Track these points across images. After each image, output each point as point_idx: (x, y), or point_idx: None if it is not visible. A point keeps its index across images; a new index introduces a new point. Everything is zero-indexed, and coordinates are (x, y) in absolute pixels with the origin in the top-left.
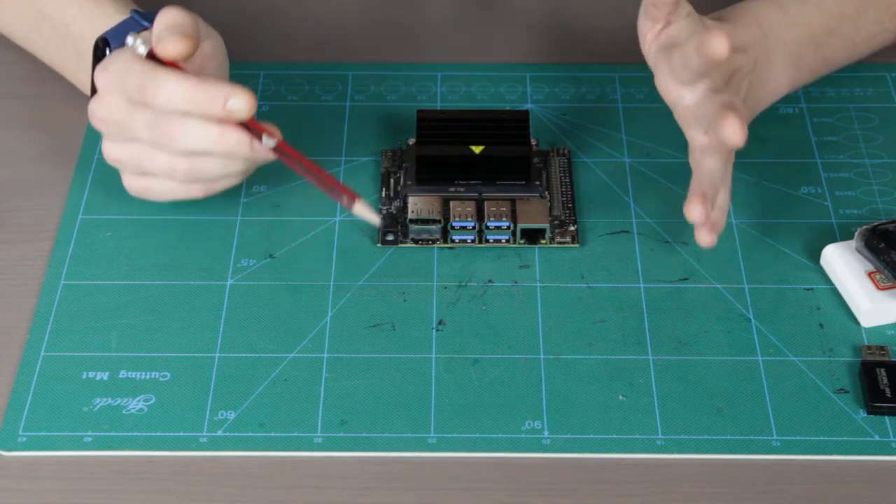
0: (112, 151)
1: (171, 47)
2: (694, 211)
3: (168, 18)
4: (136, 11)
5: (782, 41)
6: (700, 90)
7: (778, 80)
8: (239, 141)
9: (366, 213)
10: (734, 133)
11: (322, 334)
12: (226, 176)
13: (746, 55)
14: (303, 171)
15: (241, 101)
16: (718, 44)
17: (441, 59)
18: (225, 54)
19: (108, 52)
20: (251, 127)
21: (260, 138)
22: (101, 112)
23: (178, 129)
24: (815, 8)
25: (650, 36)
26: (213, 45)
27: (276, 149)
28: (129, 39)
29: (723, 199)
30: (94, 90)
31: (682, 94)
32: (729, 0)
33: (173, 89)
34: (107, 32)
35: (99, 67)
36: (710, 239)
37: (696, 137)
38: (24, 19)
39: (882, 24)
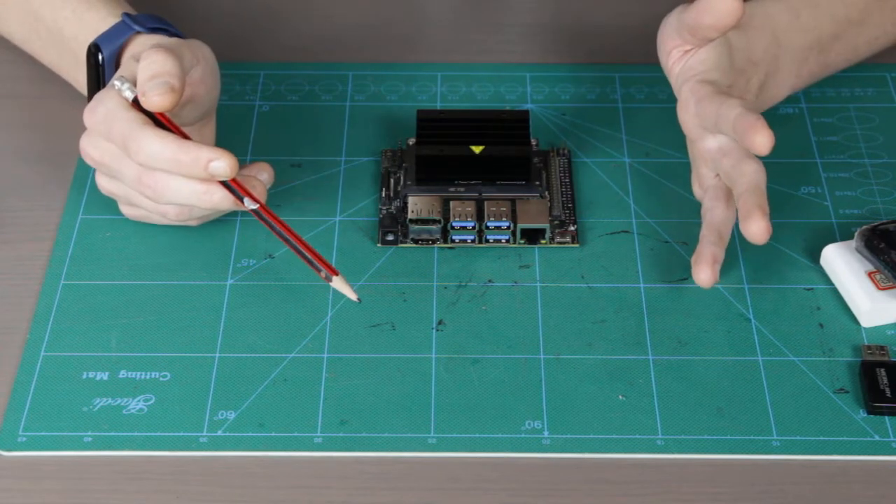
0: (105, 185)
1: (156, 101)
2: (702, 274)
3: (152, 67)
4: (127, 15)
5: (791, 47)
6: (724, 140)
7: (781, 86)
8: (222, 199)
9: (344, 289)
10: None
11: (322, 334)
12: (216, 213)
13: (757, 69)
14: (282, 238)
15: (222, 164)
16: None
17: (441, 59)
18: (215, 70)
19: (100, 57)
20: (233, 187)
21: (241, 199)
22: (90, 151)
23: (162, 186)
24: (826, 13)
25: (675, 54)
26: (201, 70)
27: (256, 212)
28: (116, 83)
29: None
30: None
31: (704, 136)
32: None
33: (156, 150)
34: (98, 38)
35: (87, 108)
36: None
37: (708, 176)
38: (23, 22)
39: (884, 27)
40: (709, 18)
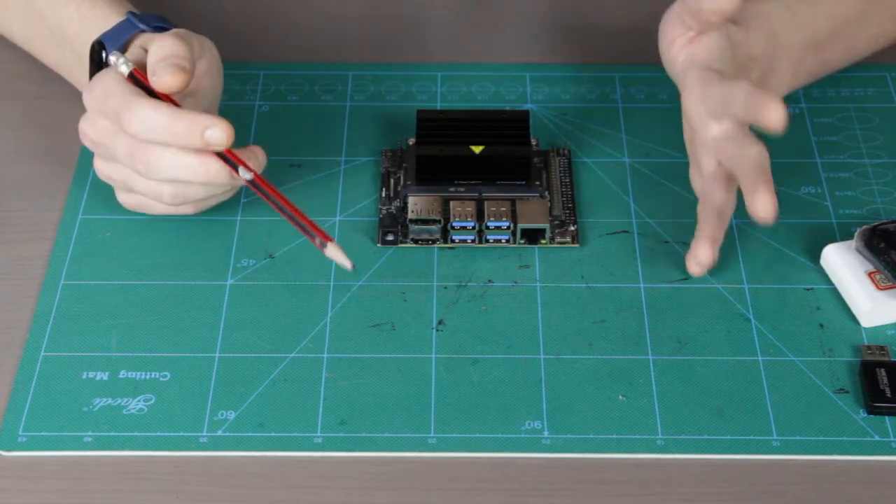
0: (102, 169)
1: (166, 80)
2: (701, 251)
3: (164, 50)
4: (132, 14)
5: (789, 45)
6: (728, 125)
7: (779, 84)
8: (218, 171)
9: (338, 256)
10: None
11: (322, 334)
12: (212, 196)
13: (756, 65)
14: (277, 207)
15: (219, 132)
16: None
17: (441, 59)
18: (220, 68)
19: (104, 55)
20: (228, 157)
21: (236, 169)
22: (88, 131)
23: (156, 160)
24: (824, 12)
25: (680, 41)
26: (207, 63)
27: (251, 182)
28: (112, 58)
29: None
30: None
31: (708, 124)
32: None
33: (150, 119)
34: (102, 35)
35: (86, 88)
36: (703, 271)
37: (709, 164)
38: (25, 20)
39: (882, 27)
40: (708, 3)
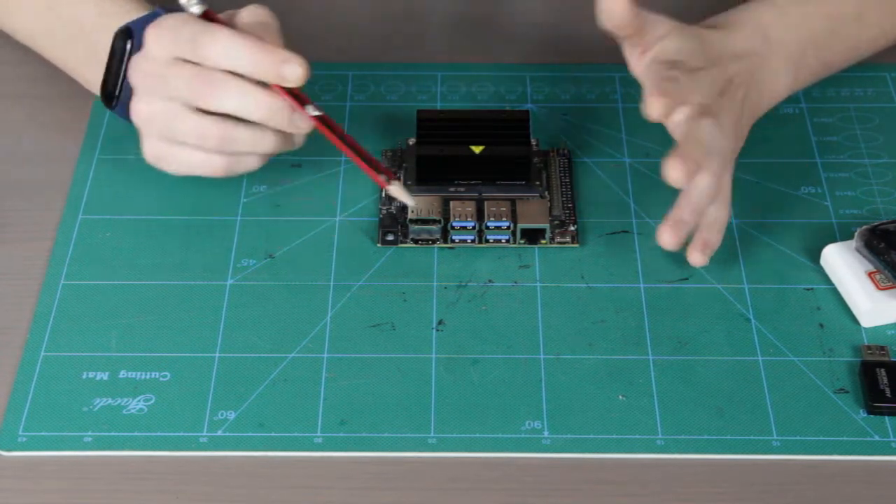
0: (144, 107)
1: (295, 73)
2: (664, 236)
3: (255, 15)
4: (161, 8)
5: (783, 43)
6: (684, 113)
7: (778, 83)
8: (281, 107)
9: (401, 193)
10: (675, 173)
11: (322, 334)
12: (252, 153)
13: (741, 63)
14: (341, 144)
15: (296, 68)
16: (653, 107)
17: (441, 59)
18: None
19: (128, 44)
20: (295, 95)
21: (302, 107)
22: (143, 65)
23: (221, 85)
24: (816, 9)
25: (634, 59)
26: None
27: (318, 118)
28: (183, 2)
29: (719, 215)
30: (114, 90)
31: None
32: (729, 3)
33: (230, 44)
34: (131, 22)
35: (152, 24)
36: (702, 259)
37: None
38: (34, 14)
39: (882, 27)
40: (608, 23)
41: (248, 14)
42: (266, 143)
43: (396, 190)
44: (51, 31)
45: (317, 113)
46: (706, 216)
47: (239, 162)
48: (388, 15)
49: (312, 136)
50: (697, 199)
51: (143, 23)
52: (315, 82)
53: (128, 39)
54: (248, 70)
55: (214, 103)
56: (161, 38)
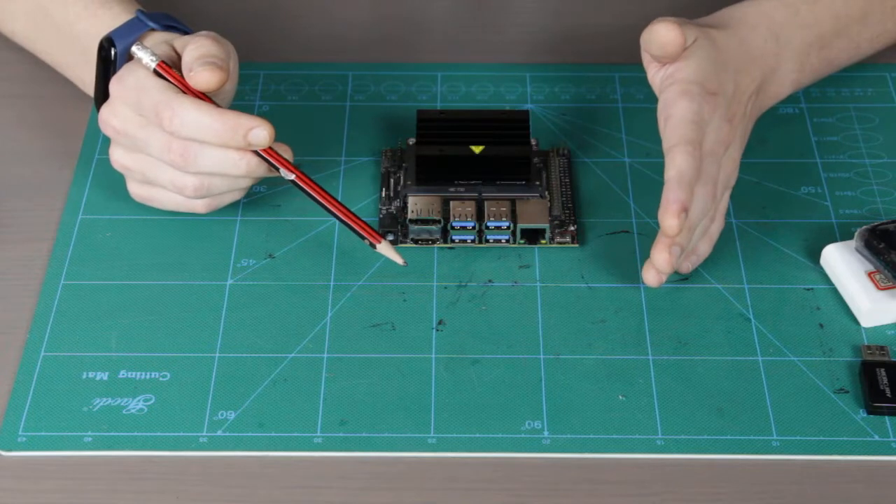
0: (120, 159)
1: (205, 77)
2: (659, 257)
3: (202, 49)
4: (141, 12)
5: (791, 44)
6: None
7: (782, 83)
8: (258, 164)
9: (390, 253)
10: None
11: (322, 334)
12: (231, 191)
13: (756, 64)
14: (321, 206)
15: (263, 133)
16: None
17: (441, 59)
18: (238, 70)
19: (112, 51)
20: (268, 157)
21: (277, 170)
22: (113, 121)
23: (195, 154)
24: (825, 9)
25: (651, 70)
26: (233, 65)
27: (294, 182)
28: (137, 51)
29: (713, 228)
30: (105, 96)
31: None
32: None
33: (194, 118)
34: (112, 32)
35: (114, 78)
36: (687, 267)
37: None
38: (29, 18)
39: (885, 25)
40: (654, 49)
41: (195, 49)
42: (243, 183)
43: (385, 250)
44: (47, 35)
45: (291, 177)
46: (700, 227)
47: (221, 199)
48: (388, 15)
49: (312, 136)
50: (693, 223)
51: (123, 32)
52: (315, 82)
53: (111, 48)
54: (216, 143)
55: (191, 168)
56: (126, 99)
